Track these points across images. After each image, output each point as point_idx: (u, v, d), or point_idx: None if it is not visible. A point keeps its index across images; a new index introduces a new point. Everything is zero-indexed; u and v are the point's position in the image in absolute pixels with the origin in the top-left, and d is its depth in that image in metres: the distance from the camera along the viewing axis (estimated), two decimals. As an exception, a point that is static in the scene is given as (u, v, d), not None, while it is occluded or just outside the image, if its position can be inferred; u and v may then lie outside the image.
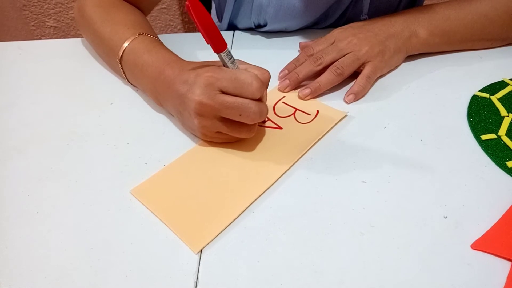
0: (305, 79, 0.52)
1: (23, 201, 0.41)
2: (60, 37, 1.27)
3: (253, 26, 0.66)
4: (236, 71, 0.41)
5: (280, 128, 0.48)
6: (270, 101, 0.51)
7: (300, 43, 0.60)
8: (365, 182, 0.41)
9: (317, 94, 0.51)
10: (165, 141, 0.47)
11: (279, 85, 0.53)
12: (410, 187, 0.40)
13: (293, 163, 0.43)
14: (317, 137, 0.46)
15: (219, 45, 0.40)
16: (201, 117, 0.41)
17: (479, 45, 0.58)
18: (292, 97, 0.52)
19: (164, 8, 1.24)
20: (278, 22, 0.63)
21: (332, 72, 0.51)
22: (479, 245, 0.35)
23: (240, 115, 0.40)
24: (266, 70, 0.43)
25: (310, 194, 0.40)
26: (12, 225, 0.39)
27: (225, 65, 0.41)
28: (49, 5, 1.22)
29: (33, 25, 1.26)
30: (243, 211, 0.39)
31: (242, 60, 0.44)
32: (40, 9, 1.22)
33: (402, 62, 0.56)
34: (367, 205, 0.39)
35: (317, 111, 0.49)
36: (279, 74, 0.55)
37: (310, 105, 0.50)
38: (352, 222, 0.38)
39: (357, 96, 0.51)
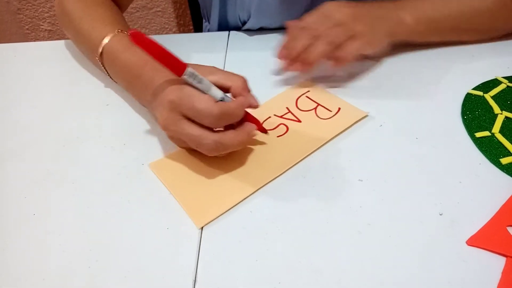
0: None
1: (20, 203, 0.41)
2: (54, 40, 1.26)
3: (240, 24, 0.66)
4: (196, 96, 0.38)
5: (299, 121, 0.48)
6: (294, 94, 0.53)
7: (287, 23, 0.57)
8: (362, 181, 0.41)
9: (310, 66, 0.50)
10: (162, 141, 0.47)
11: (291, 67, 0.51)
12: (406, 185, 0.41)
13: (304, 156, 0.44)
14: (334, 134, 0.46)
15: (177, 69, 0.38)
16: (170, 137, 0.42)
17: (467, 36, 0.58)
18: (316, 92, 0.53)
19: (159, 11, 1.24)
20: (261, 17, 0.63)
21: (323, 43, 0.49)
22: (474, 241, 0.36)
23: (197, 147, 0.40)
24: (239, 77, 0.41)
25: (307, 193, 0.41)
26: (9, 227, 0.39)
27: (192, 86, 0.39)
28: (44, 9, 1.21)
29: (27, 29, 1.26)
30: (252, 193, 0.41)
31: (216, 67, 0.43)
32: (34, 12, 1.22)
33: (387, 48, 0.56)
34: (364, 203, 0.39)
35: (339, 108, 0.50)
36: (279, 55, 0.53)
37: (333, 102, 0.51)
38: (349, 220, 0.38)
39: (339, 62, 0.50)
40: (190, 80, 0.38)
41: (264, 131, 0.46)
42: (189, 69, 0.38)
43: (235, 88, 0.41)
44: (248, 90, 0.42)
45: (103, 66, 0.51)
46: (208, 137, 0.38)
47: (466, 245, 0.36)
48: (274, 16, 0.63)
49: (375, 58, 0.58)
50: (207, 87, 0.39)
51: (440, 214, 0.38)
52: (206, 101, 0.38)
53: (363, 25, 0.51)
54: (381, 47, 0.55)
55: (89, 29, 0.53)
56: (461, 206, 0.39)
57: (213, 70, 0.42)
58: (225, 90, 0.41)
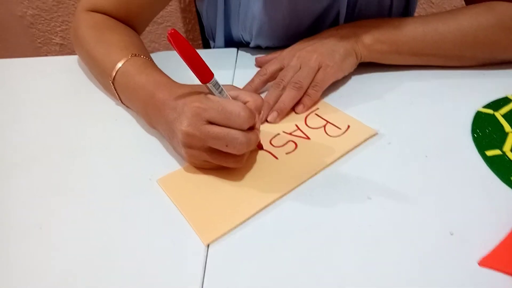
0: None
1: (26, 217, 0.41)
2: (66, 54, 1.29)
3: (245, 44, 0.67)
4: (224, 101, 0.40)
5: (308, 138, 0.48)
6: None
7: (256, 58, 0.63)
8: (370, 199, 0.41)
9: (284, 113, 0.52)
10: (169, 156, 0.47)
11: (268, 118, 0.51)
12: (415, 203, 0.40)
13: (314, 173, 0.43)
14: (343, 152, 0.46)
15: (204, 76, 0.39)
16: (189, 147, 0.41)
17: (434, 61, 0.57)
18: (325, 110, 0.53)
19: (169, 26, 1.26)
20: (263, 38, 0.64)
21: (292, 89, 0.52)
22: (486, 262, 0.35)
23: (227, 145, 0.39)
24: (258, 96, 0.43)
25: (315, 210, 0.40)
26: (15, 241, 0.39)
27: (212, 95, 0.41)
28: (56, 23, 1.24)
29: (39, 42, 1.28)
30: (259, 210, 0.40)
31: (235, 86, 0.44)
32: (47, 26, 1.24)
33: (355, 68, 0.57)
34: (373, 221, 0.39)
35: (348, 126, 0.49)
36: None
37: (342, 119, 0.51)
38: (357, 239, 0.37)
39: (306, 106, 0.52)
40: (213, 89, 0.40)
41: (261, 146, 0.47)
42: (215, 78, 0.40)
43: (251, 103, 0.42)
44: (260, 112, 0.43)
45: (115, 90, 0.52)
46: (239, 133, 0.39)
47: (478, 266, 0.35)
48: (275, 38, 0.64)
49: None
50: (226, 98, 0.41)
51: (451, 234, 0.37)
52: (235, 103, 0.39)
53: (319, 55, 0.53)
54: (348, 68, 0.56)
55: (104, 53, 0.53)
56: (472, 225, 0.38)
57: (234, 88, 0.44)
58: None
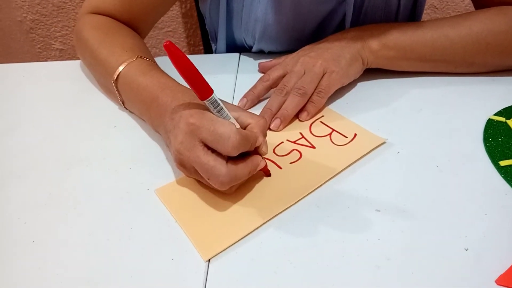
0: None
1: (19, 230, 0.39)
2: (65, 60, 1.27)
3: (247, 48, 0.65)
4: (218, 121, 0.37)
5: (313, 147, 0.46)
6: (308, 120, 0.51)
7: (259, 63, 0.61)
8: (379, 211, 0.39)
9: (288, 120, 0.50)
10: (168, 166, 0.45)
11: (271, 125, 0.50)
12: (427, 216, 0.38)
13: (319, 185, 0.42)
14: (350, 161, 0.44)
15: (202, 91, 0.37)
16: (180, 164, 0.39)
17: (443, 67, 0.56)
18: (331, 117, 0.51)
19: (170, 31, 1.25)
20: (265, 42, 0.62)
21: (295, 95, 0.50)
22: (504, 280, 0.33)
23: (208, 179, 0.37)
24: (261, 118, 0.41)
25: (321, 224, 0.38)
26: (6, 255, 0.37)
27: (211, 112, 0.38)
28: (56, 28, 1.23)
29: (39, 48, 1.27)
30: (262, 224, 0.38)
31: (238, 106, 0.43)
32: (46, 31, 1.23)
33: (361, 74, 0.55)
34: (382, 236, 0.37)
35: (355, 134, 0.48)
36: (239, 103, 0.54)
37: (349, 128, 0.49)
38: (366, 254, 0.35)
39: (310, 113, 0.50)
40: (211, 107, 0.38)
41: (268, 173, 0.43)
42: (214, 95, 0.37)
43: (253, 125, 0.40)
44: (265, 135, 0.41)
45: (117, 91, 0.50)
46: (222, 170, 0.36)
47: (495, 284, 0.33)
48: (278, 42, 0.62)
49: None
50: (226, 117, 0.38)
51: (466, 249, 0.35)
52: (228, 126, 0.36)
53: (324, 61, 0.51)
54: (354, 73, 0.54)
55: (107, 54, 0.52)
56: (488, 240, 0.36)
57: (237, 108, 0.42)
58: (244, 127, 0.40)
